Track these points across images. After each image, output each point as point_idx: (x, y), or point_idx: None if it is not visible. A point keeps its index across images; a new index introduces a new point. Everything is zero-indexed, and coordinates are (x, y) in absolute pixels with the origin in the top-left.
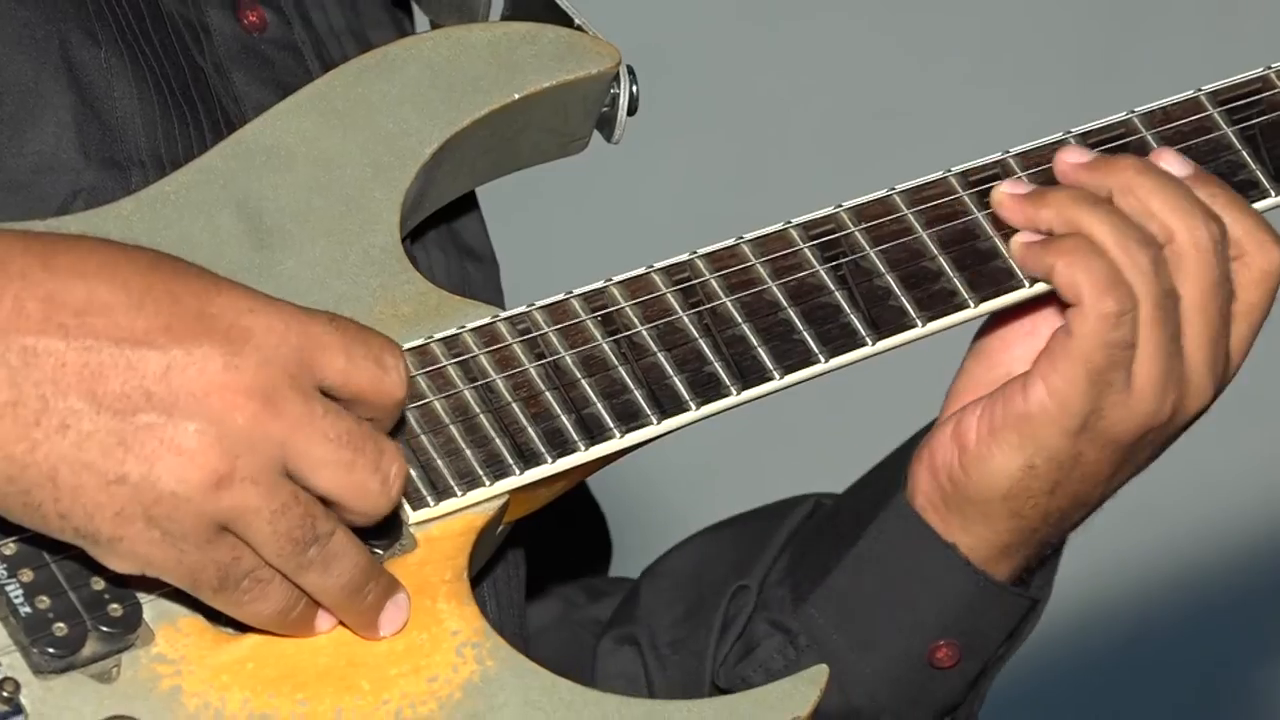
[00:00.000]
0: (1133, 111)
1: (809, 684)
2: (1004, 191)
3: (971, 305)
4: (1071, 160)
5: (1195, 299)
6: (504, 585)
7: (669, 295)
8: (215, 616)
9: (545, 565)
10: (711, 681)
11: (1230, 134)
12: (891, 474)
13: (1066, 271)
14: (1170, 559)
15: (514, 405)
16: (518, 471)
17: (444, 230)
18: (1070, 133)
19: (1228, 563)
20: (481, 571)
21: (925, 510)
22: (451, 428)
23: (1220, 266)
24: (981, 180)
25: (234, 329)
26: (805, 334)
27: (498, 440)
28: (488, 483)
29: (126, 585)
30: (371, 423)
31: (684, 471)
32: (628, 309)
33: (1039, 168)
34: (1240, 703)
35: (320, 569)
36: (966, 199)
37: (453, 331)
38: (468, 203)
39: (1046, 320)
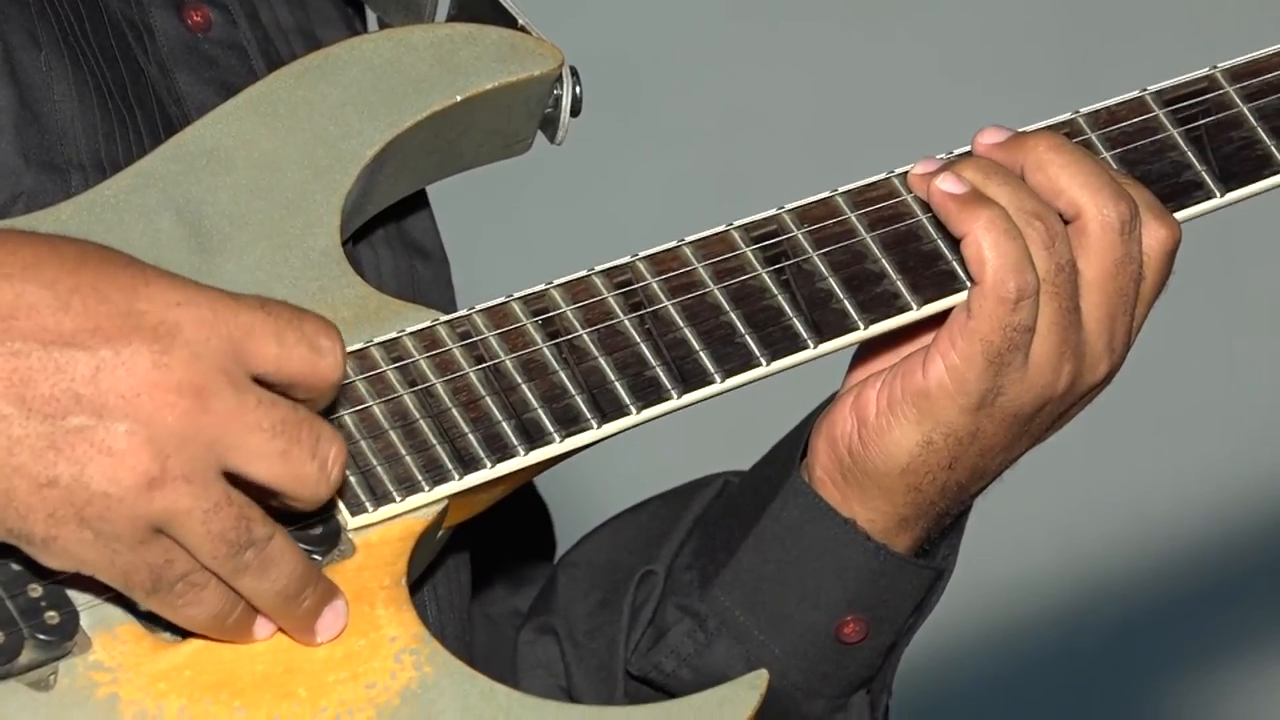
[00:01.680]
0: (1078, 112)
1: (748, 689)
2: (915, 173)
3: (914, 308)
4: (987, 140)
5: (1096, 276)
6: (444, 589)
7: (610, 298)
8: (153, 623)
9: (488, 559)
10: (625, 669)
11: (1176, 134)
12: (792, 450)
13: (975, 244)
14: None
15: (453, 410)
16: (457, 477)
17: (393, 228)
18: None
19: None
20: (423, 575)
21: (823, 483)
22: (391, 433)
23: (1125, 245)
24: None
25: (162, 325)
26: (747, 337)
27: (437, 445)
28: (427, 488)
29: (66, 586)
30: (308, 403)
31: (628, 464)
32: (568, 312)
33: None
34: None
35: (257, 573)
36: (910, 201)
37: (392, 335)
38: (418, 200)
39: None
